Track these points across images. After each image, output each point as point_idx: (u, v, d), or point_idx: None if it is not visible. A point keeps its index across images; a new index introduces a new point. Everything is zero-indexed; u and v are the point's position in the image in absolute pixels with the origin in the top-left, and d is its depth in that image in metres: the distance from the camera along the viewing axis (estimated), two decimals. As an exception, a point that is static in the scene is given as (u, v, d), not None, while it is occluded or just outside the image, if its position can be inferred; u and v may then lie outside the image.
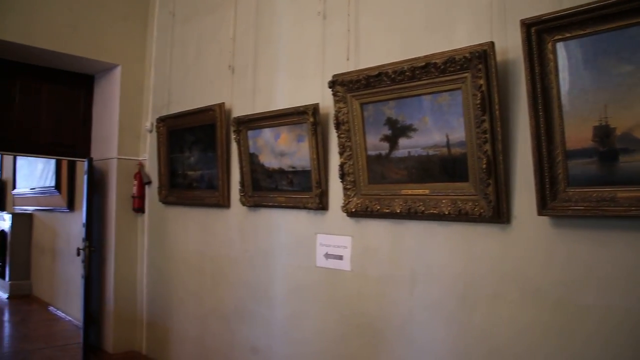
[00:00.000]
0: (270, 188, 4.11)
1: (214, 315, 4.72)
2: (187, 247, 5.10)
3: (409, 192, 3.17)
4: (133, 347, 5.79)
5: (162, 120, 5.28)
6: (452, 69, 2.86)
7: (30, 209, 9.73)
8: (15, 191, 10.21)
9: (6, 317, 8.04)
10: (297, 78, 4.05)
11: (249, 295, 4.35)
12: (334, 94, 3.46)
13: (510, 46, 2.76)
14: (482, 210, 2.81)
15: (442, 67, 2.89)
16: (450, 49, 2.89)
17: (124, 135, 5.80)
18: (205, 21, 5.07)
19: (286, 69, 4.16)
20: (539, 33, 2.48)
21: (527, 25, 2.49)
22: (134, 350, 5.78)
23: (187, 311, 5.07)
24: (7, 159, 10.58)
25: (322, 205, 3.71)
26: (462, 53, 2.79)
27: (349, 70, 3.45)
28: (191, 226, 5.06)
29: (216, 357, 4.66)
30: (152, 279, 5.63)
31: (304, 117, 3.71)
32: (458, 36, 3.00)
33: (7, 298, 9.16)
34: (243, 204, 4.35)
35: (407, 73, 3.05)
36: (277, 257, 4.11)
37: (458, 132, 2.90)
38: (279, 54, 4.24)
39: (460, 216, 2.91)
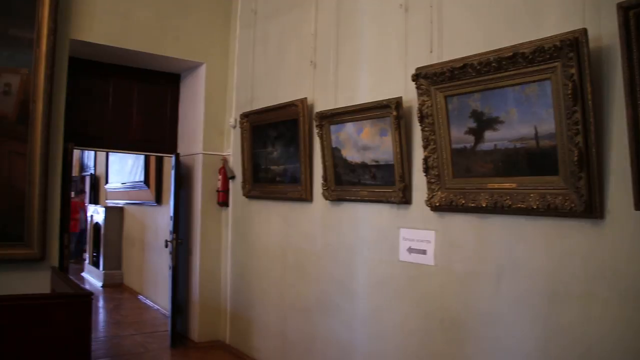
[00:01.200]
0: (353, 182, 4.12)
1: (296, 307, 4.79)
2: (269, 240, 5.21)
3: (496, 185, 3.09)
4: (217, 337, 6.00)
5: (245, 116, 5.41)
6: (541, 58, 2.76)
7: (121, 202, 10.21)
8: (107, 186, 10.75)
9: (101, 303, 8.49)
10: (379, 72, 4.03)
11: (330, 289, 4.39)
12: (418, 87, 3.42)
13: (604, 32, 2.63)
14: (573, 205, 2.70)
15: (530, 57, 2.79)
16: (539, 37, 2.79)
17: (209, 131, 6.00)
18: (287, 18, 5.15)
19: (368, 63, 4.15)
20: (638, 16, 2.34)
21: (625, 9, 2.36)
22: (218, 340, 5.98)
23: (269, 303, 5.17)
24: (100, 155, 11.15)
25: (405, 199, 3.68)
26: (552, 42, 2.69)
27: (433, 63, 3.40)
28: (274, 220, 5.16)
29: (297, 349, 4.74)
30: (236, 271, 5.79)
31: (387, 110, 3.69)
32: (547, 24, 2.89)
33: (102, 286, 9.69)
34: (326, 197, 4.39)
35: (494, 64, 2.97)
36: (360, 251, 4.12)
37: (547, 124, 2.80)
38: (360, 48, 4.24)
39: (549, 211, 2.80)
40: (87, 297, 3.58)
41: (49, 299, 3.78)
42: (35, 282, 4.86)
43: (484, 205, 3.12)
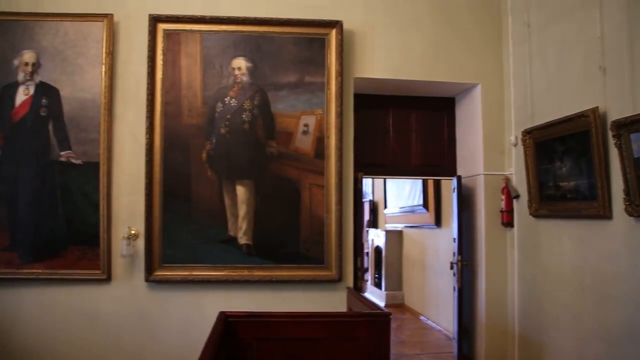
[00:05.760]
0: (663, 194, 3.67)
1: (597, 334, 4.40)
2: (561, 261, 4.89)
3: None
4: (505, 361, 5.81)
5: (527, 132, 5.22)
6: None
7: (399, 226, 10.65)
8: (386, 210, 11.32)
9: (385, 323, 8.88)
10: (689, 68, 3.56)
11: (640, 315, 3.94)
12: None
13: None
14: None
15: None
16: None
17: (489, 151, 5.94)
18: (565, 25, 4.86)
19: (673, 60, 3.70)
20: None
21: None
22: (507, 364, 5.78)
23: (563, 328, 4.84)
24: (378, 182, 11.81)
25: None
26: None
27: None
28: (565, 239, 4.84)
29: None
30: (524, 293, 5.57)
31: None
32: None
33: (384, 306, 10.13)
34: (629, 214, 3.97)
35: None
36: (676, 273, 3.64)
37: None
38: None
39: None
40: (387, 317, 3.85)
41: (354, 317, 4.12)
42: (333, 301, 5.44)
43: None
